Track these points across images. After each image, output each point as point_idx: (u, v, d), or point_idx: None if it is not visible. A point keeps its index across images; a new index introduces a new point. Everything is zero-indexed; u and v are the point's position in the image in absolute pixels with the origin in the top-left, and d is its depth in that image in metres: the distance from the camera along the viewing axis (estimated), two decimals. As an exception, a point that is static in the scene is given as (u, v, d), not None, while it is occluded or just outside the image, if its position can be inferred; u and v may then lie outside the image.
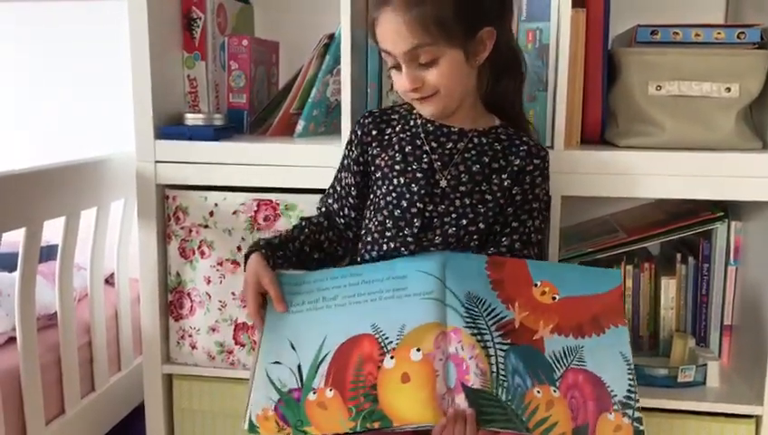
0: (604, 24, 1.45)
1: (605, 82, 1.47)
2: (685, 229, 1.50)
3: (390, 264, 1.15)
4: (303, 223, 1.28)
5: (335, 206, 1.28)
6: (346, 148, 1.27)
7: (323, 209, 1.30)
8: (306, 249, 1.24)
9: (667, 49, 1.42)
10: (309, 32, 1.65)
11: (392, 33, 1.07)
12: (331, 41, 1.54)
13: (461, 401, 1.00)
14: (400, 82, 1.12)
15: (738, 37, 1.41)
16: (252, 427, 1.05)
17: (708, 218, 1.49)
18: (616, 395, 1.02)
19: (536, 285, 1.11)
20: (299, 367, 1.07)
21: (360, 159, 1.24)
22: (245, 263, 1.18)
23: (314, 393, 1.04)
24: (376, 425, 1.00)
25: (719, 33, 1.41)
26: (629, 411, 1.02)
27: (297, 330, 1.11)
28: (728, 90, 1.40)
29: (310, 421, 1.03)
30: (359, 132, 1.24)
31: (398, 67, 1.11)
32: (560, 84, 1.38)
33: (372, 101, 1.51)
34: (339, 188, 1.28)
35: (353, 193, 1.25)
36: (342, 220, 1.27)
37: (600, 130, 1.50)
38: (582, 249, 1.54)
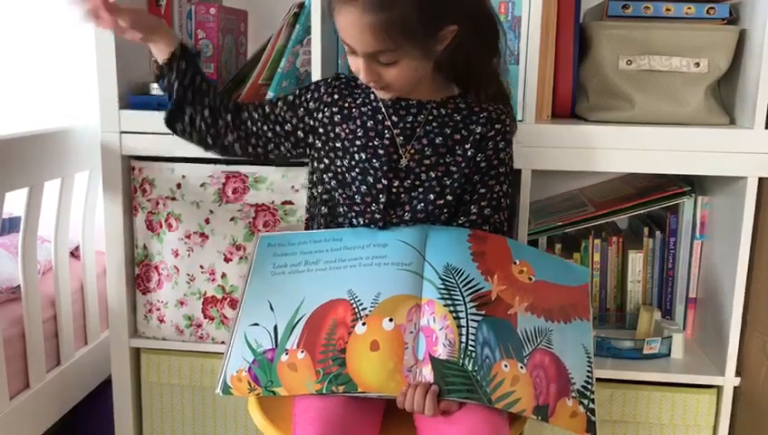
0: (576, -3, 1.45)
1: (576, 55, 1.47)
2: (652, 204, 1.51)
3: (373, 231, 1.16)
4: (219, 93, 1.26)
5: (250, 109, 1.24)
6: (301, 89, 1.24)
7: (237, 102, 1.27)
8: (202, 87, 1.22)
9: (637, 23, 1.42)
10: (278, 0, 1.62)
11: (355, 32, 1.04)
12: (300, 10, 1.51)
13: (427, 372, 1.01)
14: (356, 67, 1.10)
15: (708, 12, 1.42)
16: (226, 388, 1.05)
17: (675, 193, 1.51)
18: (575, 383, 1.04)
19: (515, 263, 1.12)
20: (275, 328, 1.08)
21: (311, 105, 1.21)
22: None
23: (287, 354, 1.04)
24: (341, 389, 1.00)
25: (689, 8, 1.42)
26: (585, 401, 1.03)
27: (277, 291, 1.12)
28: (697, 65, 1.41)
29: (280, 382, 1.03)
30: (322, 89, 1.22)
31: (355, 53, 1.08)
32: (531, 57, 1.38)
33: (343, 72, 1.49)
34: (267, 109, 1.24)
35: (274, 127, 1.23)
36: (247, 117, 1.23)
37: (570, 104, 1.50)
38: (551, 223, 1.55)
